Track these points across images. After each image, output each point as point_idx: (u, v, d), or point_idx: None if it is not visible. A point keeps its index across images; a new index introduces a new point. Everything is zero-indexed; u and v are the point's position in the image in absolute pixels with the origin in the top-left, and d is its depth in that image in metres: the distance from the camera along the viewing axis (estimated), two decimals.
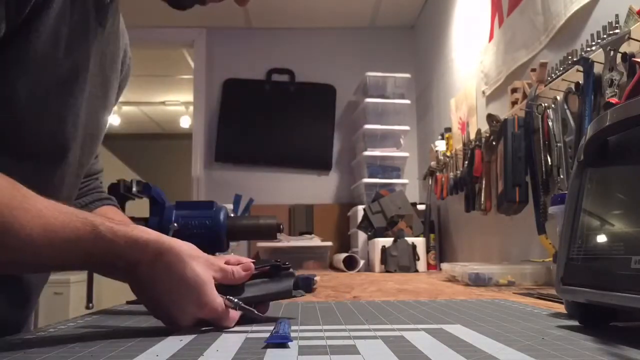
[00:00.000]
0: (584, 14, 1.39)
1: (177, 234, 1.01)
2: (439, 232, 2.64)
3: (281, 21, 3.35)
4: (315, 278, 1.11)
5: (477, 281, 1.29)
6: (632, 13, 1.09)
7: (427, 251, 2.48)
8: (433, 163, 2.57)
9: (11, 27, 0.53)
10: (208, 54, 3.46)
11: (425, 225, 2.59)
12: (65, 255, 0.52)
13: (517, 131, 1.52)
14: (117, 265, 0.55)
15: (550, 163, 1.34)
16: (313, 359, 0.43)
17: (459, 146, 2.24)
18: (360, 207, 2.75)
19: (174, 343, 0.50)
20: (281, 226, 1.08)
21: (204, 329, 0.61)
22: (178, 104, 5.44)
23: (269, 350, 0.46)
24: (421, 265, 2.36)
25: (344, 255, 2.52)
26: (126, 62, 0.84)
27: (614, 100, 1.05)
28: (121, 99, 0.91)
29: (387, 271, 2.25)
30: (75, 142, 0.66)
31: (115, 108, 5.12)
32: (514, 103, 1.68)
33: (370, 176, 2.95)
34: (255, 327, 0.60)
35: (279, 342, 0.49)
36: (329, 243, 2.76)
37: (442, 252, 2.63)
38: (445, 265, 1.59)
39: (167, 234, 1.00)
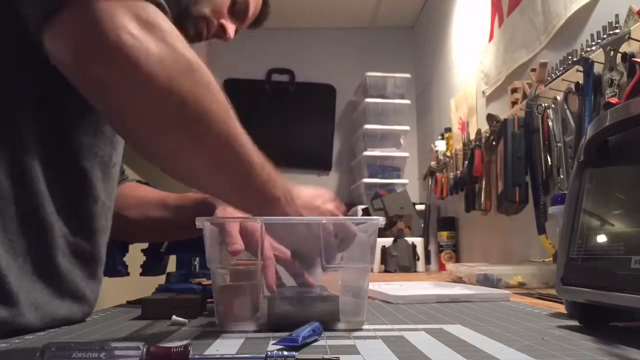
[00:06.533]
0: (584, 14, 1.39)
1: None
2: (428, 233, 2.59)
3: (281, 21, 3.35)
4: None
5: (485, 283, 1.23)
6: (632, 13, 1.09)
7: (425, 251, 2.47)
8: (433, 163, 2.57)
9: None
10: (208, 54, 3.46)
11: (425, 225, 2.58)
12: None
13: (517, 131, 1.51)
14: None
15: (550, 163, 1.34)
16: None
17: (459, 146, 2.24)
18: (360, 207, 2.75)
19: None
20: None
21: (205, 330, 0.61)
22: None
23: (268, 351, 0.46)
24: (420, 265, 2.36)
25: None
26: None
27: (614, 100, 1.05)
28: None
29: (387, 271, 2.25)
30: None
31: None
32: (514, 103, 1.68)
33: (370, 176, 2.95)
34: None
35: (285, 344, 0.48)
36: None
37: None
38: (450, 266, 1.57)
39: None
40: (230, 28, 0.85)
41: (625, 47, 1.08)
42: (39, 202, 0.58)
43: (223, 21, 0.84)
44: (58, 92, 0.59)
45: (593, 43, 1.24)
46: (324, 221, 0.61)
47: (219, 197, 0.63)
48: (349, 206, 3.11)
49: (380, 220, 0.61)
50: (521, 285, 1.23)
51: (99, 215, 0.67)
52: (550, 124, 1.33)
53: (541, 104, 1.41)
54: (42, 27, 0.48)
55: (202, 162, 0.55)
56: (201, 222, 0.59)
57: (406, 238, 2.35)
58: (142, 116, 0.50)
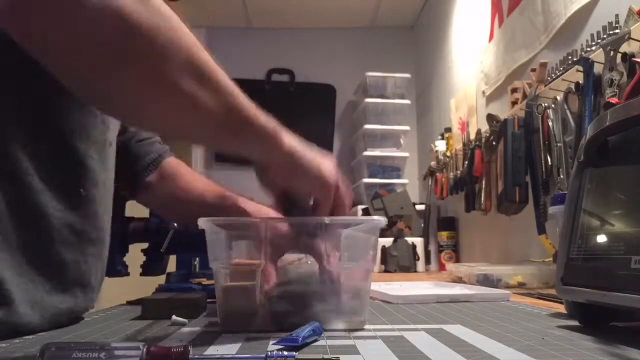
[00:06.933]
0: (584, 14, 1.39)
1: (177, 234, 1.01)
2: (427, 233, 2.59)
3: (281, 21, 3.35)
4: None
5: (485, 283, 1.23)
6: (632, 13, 1.09)
7: (425, 251, 2.47)
8: (433, 163, 2.57)
9: None
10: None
11: (425, 225, 2.58)
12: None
13: (517, 131, 1.51)
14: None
15: (550, 163, 1.34)
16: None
17: (459, 146, 2.24)
18: (360, 207, 2.75)
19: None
20: None
21: (205, 330, 0.61)
22: None
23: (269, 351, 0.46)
24: (420, 265, 2.36)
25: None
26: None
27: (614, 100, 1.05)
28: None
29: (387, 271, 2.25)
30: None
31: None
32: (514, 103, 1.68)
33: (370, 176, 2.95)
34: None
35: (285, 344, 0.48)
36: None
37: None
38: (450, 266, 1.57)
39: (166, 234, 1.00)
40: None
41: (625, 47, 1.08)
42: (29, 192, 0.57)
43: None
44: (37, 77, 0.55)
45: (593, 43, 1.24)
46: (326, 221, 0.61)
47: (202, 136, 0.60)
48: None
49: (382, 220, 0.61)
50: (521, 285, 1.22)
51: (101, 197, 0.66)
52: (550, 124, 1.33)
53: (541, 104, 1.41)
54: None
55: (173, 100, 0.51)
56: (203, 222, 0.59)
57: (406, 238, 2.35)
58: (87, 52, 0.44)
